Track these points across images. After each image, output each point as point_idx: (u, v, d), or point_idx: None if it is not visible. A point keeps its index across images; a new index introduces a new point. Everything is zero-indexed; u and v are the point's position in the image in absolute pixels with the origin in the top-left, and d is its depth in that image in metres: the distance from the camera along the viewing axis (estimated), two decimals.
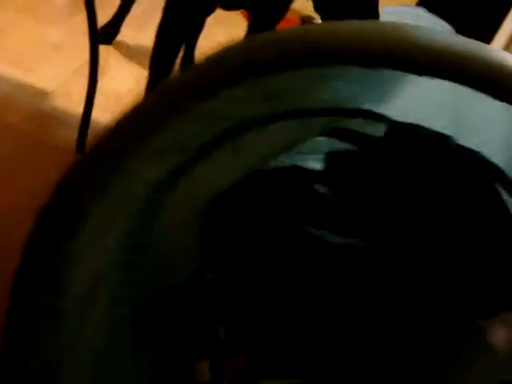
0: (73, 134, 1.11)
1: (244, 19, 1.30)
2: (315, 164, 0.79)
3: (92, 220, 0.39)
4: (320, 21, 3.78)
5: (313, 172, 0.87)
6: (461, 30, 1.43)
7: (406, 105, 0.57)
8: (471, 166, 0.60)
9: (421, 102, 0.58)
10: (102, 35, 1.69)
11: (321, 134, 0.69)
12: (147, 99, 0.36)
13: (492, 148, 0.56)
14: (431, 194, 0.74)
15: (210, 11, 1.19)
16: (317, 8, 0.83)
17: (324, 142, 0.75)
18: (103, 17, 1.74)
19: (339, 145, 0.74)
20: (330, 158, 0.83)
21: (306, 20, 3.30)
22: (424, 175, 0.73)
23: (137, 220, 0.54)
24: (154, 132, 0.36)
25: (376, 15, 0.78)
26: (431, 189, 0.73)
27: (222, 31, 2.23)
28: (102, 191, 0.38)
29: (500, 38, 2.16)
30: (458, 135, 0.56)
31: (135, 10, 1.81)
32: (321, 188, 0.85)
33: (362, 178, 0.78)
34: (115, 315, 0.56)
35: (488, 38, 2.19)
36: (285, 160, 0.78)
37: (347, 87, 0.50)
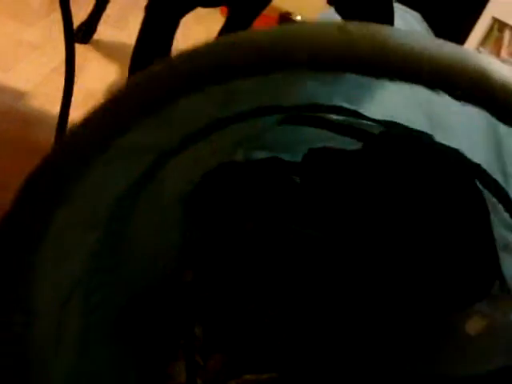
0: (50, 135, 1.10)
1: (222, 15, 1.30)
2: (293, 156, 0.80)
3: (59, 226, 0.38)
4: (299, 17, 3.75)
5: (290, 164, 0.88)
6: (436, 29, 1.45)
7: (383, 104, 0.57)
8: (451, 163, 0.61)
9: (396, 101, 0.58)
10: (79, 34, 1.68)
11: (284, 122, 0.69)
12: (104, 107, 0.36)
13: (471, 148, 0.57)
14: (409, 189, 0.74)
15: (191, 10, 1.18)
16: (337, 9, 0.83)
17: (295, 130, 0.75)
18: (80, 15, 1.73)
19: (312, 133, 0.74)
20: (311, 153, 0.84)
21: (284, 16, 3.31)
22: (402, 172, 0.74)
23: (108, 224, 0.54)
24: (111, 141, 0.36)
25: (391, 14, 0.78)
26: (409, 185, 0.74)
27: (199, 28, 2.23)
28: (68, 198, 0.37)
29: (473, 38, 2.19)
30: (434, 134, 0.57)
31: (112, 8, 1.80)
32: (297, 180, 0.86)
33: (342, 173, 0.78)
34: (90, 321, 0.55)
35: (463, 38, 2.22)
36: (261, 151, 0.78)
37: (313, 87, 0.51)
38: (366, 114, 0.58)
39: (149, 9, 1.16)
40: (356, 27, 0.31)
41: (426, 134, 0.56)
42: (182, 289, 0.78)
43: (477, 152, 0.56)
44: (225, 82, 0.33)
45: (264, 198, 0.84)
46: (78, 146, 0.36)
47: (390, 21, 0.77)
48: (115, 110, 0.35)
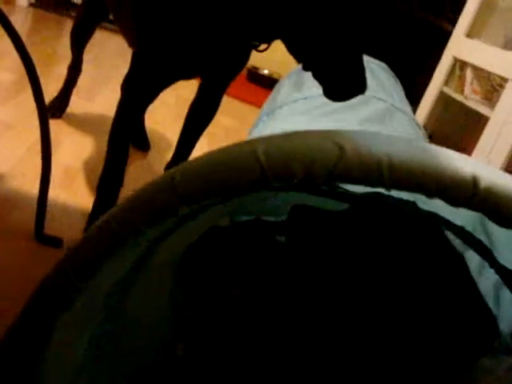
0: (31, 216, 1.09)
1: (194, 81, 1.32)
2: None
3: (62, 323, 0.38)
4: (266, 71, 3.82)
5: (274, 224, 0.88)
6: (401, 73, 1.49)
7: None
8: (434, 227, 0.62)
9: None
10: (51, 110, 1.69)
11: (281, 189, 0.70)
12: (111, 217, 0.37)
13: (452, 214, 0.58)
14: (390, 255, 0.74)
15: (171, 84, 1.16)
16: (305, 67, 0.84)
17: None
18: (50, 90, 1.74)
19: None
20: (295, 211, 0.84)
21: (252, 71, 3.39)
22: (384, 236, 0.74)
23: (105, 313, 0.53)
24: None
25: (362, 72, 0.79)
26: (390, 251, 0.74)
27: (171, 93, 2.26)
28: (70, 303, 0.37)
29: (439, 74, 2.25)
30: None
31: (83, 79, 1.82)
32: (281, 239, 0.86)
33: (326, 233, 0.78)
34: None
35: (427, 78, 2.29)
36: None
37: None
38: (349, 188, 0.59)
39: (127, 88, 1.12)
40: (350, 144, 0.32)
41: (410, 201, 0.57)
42: (174, 364, 0.76)
43: (458, 217, 0.58)
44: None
45: (249, 263, 0.83)
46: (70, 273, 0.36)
47: (361, 77, 0.79)
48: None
